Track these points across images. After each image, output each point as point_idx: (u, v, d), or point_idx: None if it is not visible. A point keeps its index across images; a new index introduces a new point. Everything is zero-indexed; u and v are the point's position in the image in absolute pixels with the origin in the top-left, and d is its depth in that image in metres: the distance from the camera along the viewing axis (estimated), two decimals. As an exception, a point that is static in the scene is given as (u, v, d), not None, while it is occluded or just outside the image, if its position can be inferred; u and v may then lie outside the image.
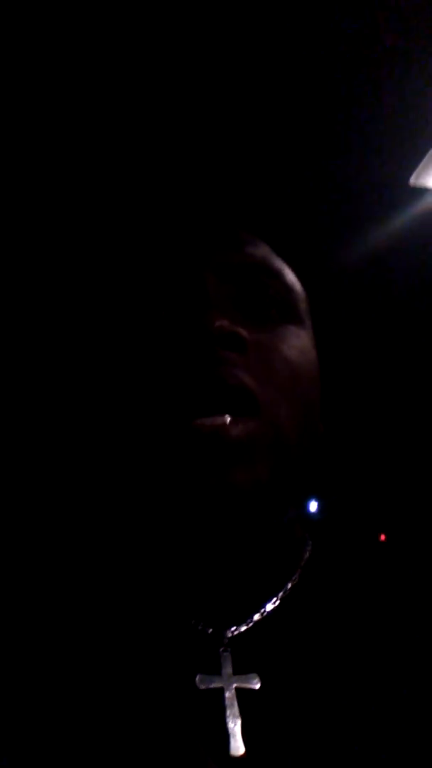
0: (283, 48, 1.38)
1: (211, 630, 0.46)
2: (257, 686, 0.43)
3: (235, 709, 0.42)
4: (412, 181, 1.54)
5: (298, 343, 0.49)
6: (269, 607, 0.47)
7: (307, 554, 0.52)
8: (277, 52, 1.39)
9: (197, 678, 0.42)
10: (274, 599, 0.47)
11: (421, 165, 1.50)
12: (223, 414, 0.41)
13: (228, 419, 0.41)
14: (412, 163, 1.53)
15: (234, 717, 0.41)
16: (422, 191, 1.57)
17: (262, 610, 0.47)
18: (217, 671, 0.43)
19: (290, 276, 0.53)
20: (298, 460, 0.46)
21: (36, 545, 0.56)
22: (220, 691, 0.42)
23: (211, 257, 0.49)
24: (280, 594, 0.48)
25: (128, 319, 0.51)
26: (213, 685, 0.42)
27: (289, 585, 0.49)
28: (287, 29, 1.33)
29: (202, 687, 0.42)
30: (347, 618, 0.48)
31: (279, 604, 0.47)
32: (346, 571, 0.52)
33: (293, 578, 0.49)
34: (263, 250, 0.52)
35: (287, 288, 0.51)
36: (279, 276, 0.51)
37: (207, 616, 0.46)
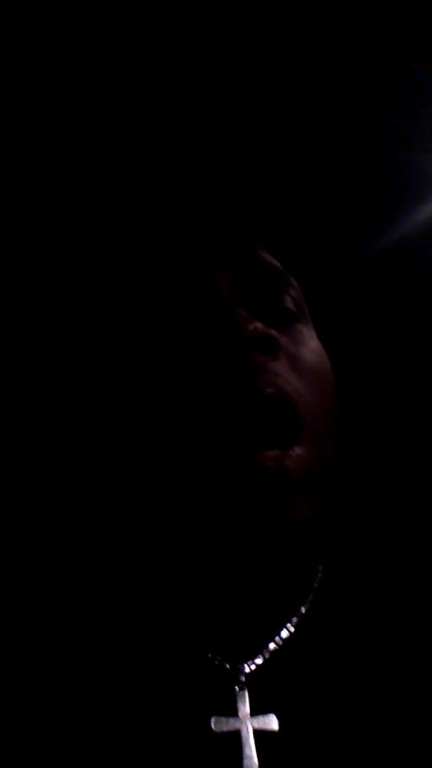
0: (311, 30, 1.34)
1: (227, 665, 0.44)
2: (275, 727, 0.42)
3: (253, 753, 0.40)
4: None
5: (314, 345, 0.49)
6: (284, 634, 0.46)
7: (320, 575, 0.50)
8: (303, 34, 1.34)
9: (212, 720, 0.41)
10: (289, 625, 0.46)
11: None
12: (272, 442, 0.40)
13: (287, 453, 0.39)
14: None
15: (251, 761, 0.40)
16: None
17: (278, 638, 0.45)
18: (232, 710, 0.42)
19: (293, 279, 0.52)
20: (334, 475, 0.45)
21: (59, 570, 0.55)
22: (237, 733, 0.41)
23: (222, 263, 0.48)
24: (294, 620, 0.47)
25: (149, 331, 0.50)
26: (229, 728, 0.41)
27: (303, 609, 0.47)
28: (320, 11, 1.28)
29: (218, 730, 0.41)
30: (363, 641, 0.47)
31: (294, 630, 0.46)
32: (359, 590, 0.51)
33: (307, 602, 0.48)
34: (269, 256, 0.52)
35: (296, 290, 0.51)
36: (287, 278, 0.50)
37: (222, 648, 0.45)
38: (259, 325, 0.42)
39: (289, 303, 0.48)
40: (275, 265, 0.50)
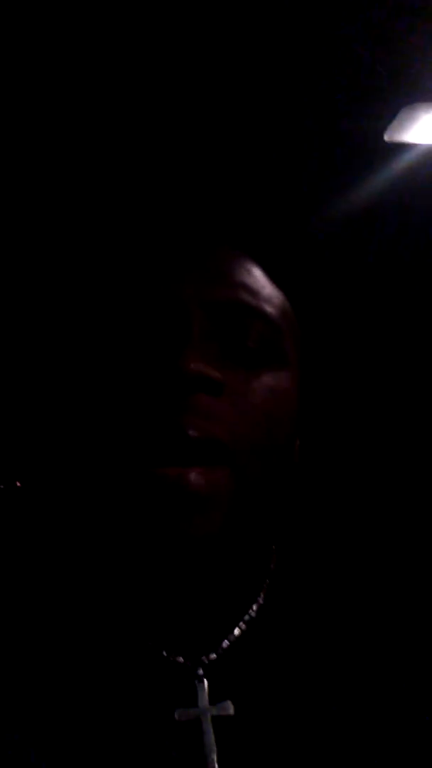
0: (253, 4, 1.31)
1: (182, 660, 0.47)
2: (231, 712, 0.45)
3: (211, 738, 0.44)
4: (387, 137, 1.49)
5: (276, 385, 0.48)
6: (236, 632, 0.49)
7: (272, 571, 0.53)
8: (246, 10, 1.31)
9: (176, 712, 0.44)
10: (241, 624, 0.49)
11: (395, 121, 1.45)
12: (190, 462, 0.41)
13: (192, 470, 0.41)
14: (387, 120, 1.47)
15: (211, 748, 0.44)
16: (398, 149, 1.53)
17: (231, 636, 0.48)
18: (192, 702, 0.45)
19: (277, 311, 0.50)
20: (263, 507, 0.47)
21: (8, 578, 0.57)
22: (198, 723, 0.45)
23: (200, 292, 0.47)
24: (246, 618, 0.49)
25: (106, 347, 0.50)
26: (188, 717, 0.45)
27: (255, 606, 0.50)
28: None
29: (180, 720, 0.44)
30: (315, 633, 0.50)
31: (246, 627, 0.49)
32: (312, 584, 0.54)
33: (258, 599, 0.50)
34: (253, 282, 0.50)
35: (272, 328, 0.49)
36: (265, 315, 0.49)
37: (177, 646, 0.48)
38: (203, 365, 0.43)
39: (258, 342, 0.48)
40: (254, 303, 0.49)
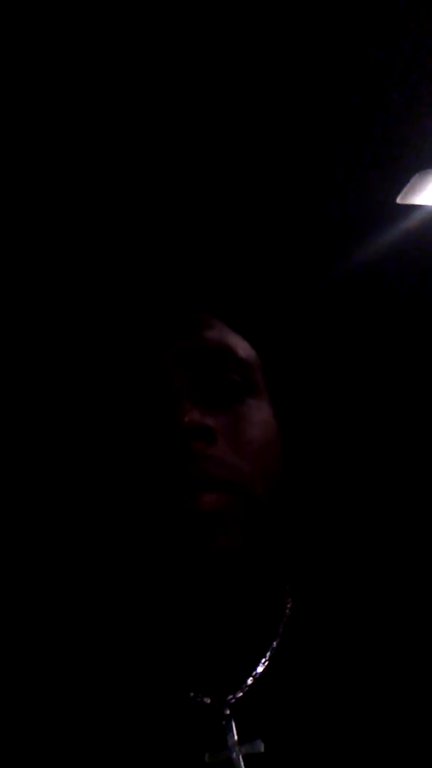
0: (266, 62, 1.39)
1: (209, 700, 0.48)
2: (262, 749, 0.46)
3: None
4: (399, 200, 1.57)
5: (259, 417, 0.53)
6: (260, 668, 0.50)
7: (289, 607, 0.55)
8: (259, 66, 1.40)
9: (206, 755, 0.45)
10: (264, 660, 0.50)
11: (408, 185, 1.53)
12: (200, 491, 0.46)
13: (202, 494, 0.46)
14: (400, 183, 1.55)
15: None
16: (409, 208, 1.60)
17: (254, 673, 0.50)
18: (221, 741, 0.46)
19: (245, 351, 0.56)
20: (269, 525, 0.50)
21: (31, 623, 0.58)
22: (228, 763, 0.45)
23: (171, 344, 0.52)
24: (268, 654, 0.51)
25: (95, 415, 0.54)
26: (220, 758, 0.45)
27: (275, 643, 0.52)
28: (273, 41, 1.33)
29: (209, 760, 0.45)
30: (335, 666, 0.51)
31: (269, 663, 0.50)
32: (329, 619, 0.55)
33: (278, 635, 0.52)
34: (219, 331, 0.55)
35: (243, 364, 0.55)
36: (235, 354, 0.54)
37: (202, 686, 0.49)
38: (196, 416, 0.47)
39: (235, 377, 0.53)
40: (221, 344, 0.54)
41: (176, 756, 0.46)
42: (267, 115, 1.49)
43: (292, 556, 0.58)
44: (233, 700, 0.48)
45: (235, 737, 0.46)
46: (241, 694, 0.49)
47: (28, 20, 0.94)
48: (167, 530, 0.45)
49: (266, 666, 0.50)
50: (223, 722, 0.47)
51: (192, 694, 0.49)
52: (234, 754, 0.45)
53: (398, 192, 1.58)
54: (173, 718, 0.48)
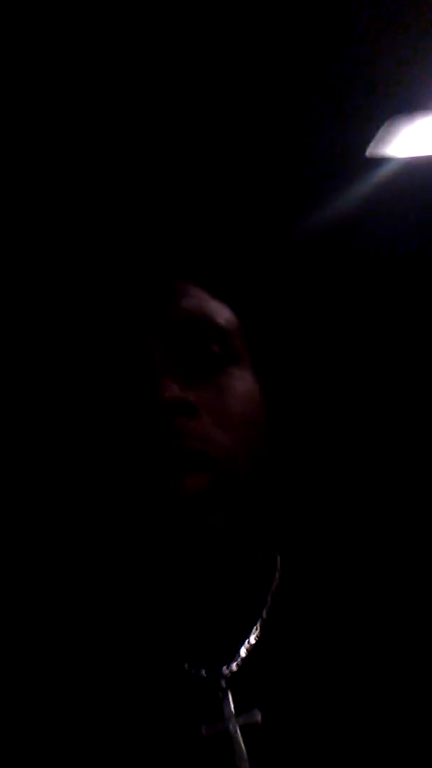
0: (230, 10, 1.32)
1: (204, 672, 0.49)
2: (259, 720, 0.46)
3: (242, 747, 0.45)
4: (369, 152, 1.53)
5: (242, 387, 0.53)
6: (252, 639, 0.50)
7: (277, 576, 0.55)
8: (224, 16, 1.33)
9: (203, 727, 0.45)
10: (255, 630, 0.51)
11: (377, 136, 1.49)
12: (181, 472, 0.47)
13: (185, 477, 0.46)
14: (368, 135, 1.51)
15: (241, 757, 0.44)
16: (378, 162, 1.57)
17: (247, 644, 0.50)
18: (218, 713, 0.46)
19: (225, 319, 0.55)
20: (255, 499, 0.51)
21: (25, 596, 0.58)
22: (225, 734, 0.45)
23: (149, 317, 0.51)
24: (259, 624, 0.51)
25: (78, 396, 0.53)
26: (217, 729, 0.45)
27: (265, 613, 0.52)
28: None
29: (208, 733, 0.45)
30: (326, 633, 0.52)
31: (260, 633, 0.51)
32: (318, 587, 0.56)
33: (267, 604, 0.53)
34: (198, 299, 0.54)
35: (224, 332, 0.54)
36: (215, 324, 0.53)
37: (196, 659, 0.49)
38: (176, 391, 0.47)
39: (215, 348, 0.52)
40: (201, 314, 0.53)
41: (174, 729, 0.46)
42: (225, 62, 1.42)
43: (281, 526, 0.58)
44: (228, 672, 0.49)
45: (232, 709, 0.47)
46: (235, 665, 0.49)
47: (27, 19, 0.89)
48: (154, 512, 0.46)
49: (258, 636, 0.51)
50: (220, 694, 0.47)
51: (187, 666, 0.49)
52: (231, 726, 0.46)
53: (367, 143, 1.53)
54: (169, 691, 0.48)
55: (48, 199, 1.17)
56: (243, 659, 0.50)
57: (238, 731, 0.46)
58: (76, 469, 0.53)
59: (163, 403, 0.46)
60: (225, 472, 0.48)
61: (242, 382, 0.53)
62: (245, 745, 0.45)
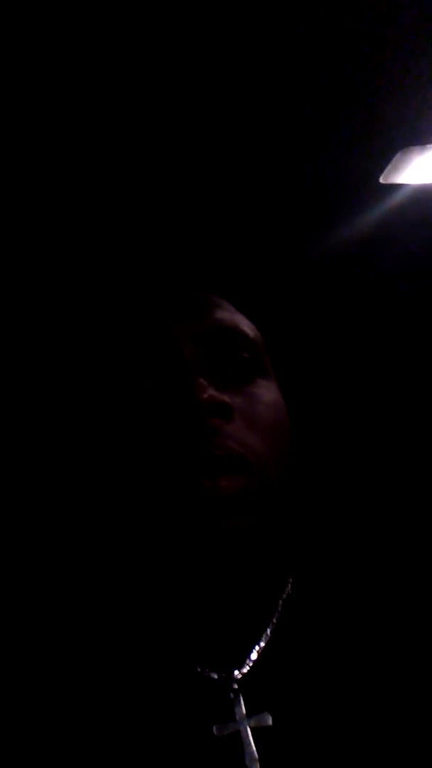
0: (247, 36, 1.37)
1: (216, 675, 0.50)
2: (270, 722, 0.47)
3: (253, 749, 0.46)
4: (382, 179, 1.57)
5: (271, 397, 0.54)
6: (263, 643, 0.52)
7: (289, 584, 0.56)
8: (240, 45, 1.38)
9: (214, 728, 0.46)
10: (267, 635, 0.52)
11: (391, 164, 1.53)
12: (218, 473, 0.47)
13: (221, 478, 0.47)
14: (383, 161, 1.55)
15: (252, 759, 0.46)
16: (392, 188, 1.60)
17: (259, 647, 0.51)
18: (229, 715, 0.48)
19: (254, 331, 0.57)
20: (282, 507, 0.52)
21: (44, 600, 0.59)
22: (237, 735, 0.46)
23: (184, 326, 0.53)
24: (270, 629, 0.52)
25: (115, 398, 0.54)
26: (229, 731, 0.47)
27: (275, 618, 0.53)
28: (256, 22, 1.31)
29: (219, 734, 0.46)
30: (336, 639, 0.53)
31: (272, 638, 0.52)
32: (329, 595, 0.57)
33: (278, 610, 0.54)
34: (229, 312, 0.56)
35: (254, 344, 0.56)
36: (246, 335, 0.55)
37: (208, 662, 0.51)
38: (213, 392, 0.48)
39: (247, 359, 0.54)
40: (233, 325, 0.55)
41: (186, 731, 0.47)
42: (247, 91, 1.47)
43: (296, 536, 0.60)
44: (240, 675, 0.50)
45: (243, 711, 0.48)
46: (247, 668, 0.50)
47: (27, 18, 0.93)
48: (186, 511, 0.47)
49: (270, 641, 0.52)
50: (231, 696, 0.48)
51: (199, 669, 0.50)
52: (243, 728, 0.47)
53: (381, 171, 1.57)
54: (181, 693, 0.49)
55: (83, 219, 1.20)
56: (254, 663, 0.51)
57: (249, 733, 0.47)
58: (112, 468, 0.53)
59: (200, 404, 0.47)
60: (257, 477, 0.48)
61: (270, 392, 0.55)
62: (256, 746, 0.46)
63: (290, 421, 0.56)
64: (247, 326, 0.56)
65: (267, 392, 0.54)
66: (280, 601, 0.55)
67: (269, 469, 0.50)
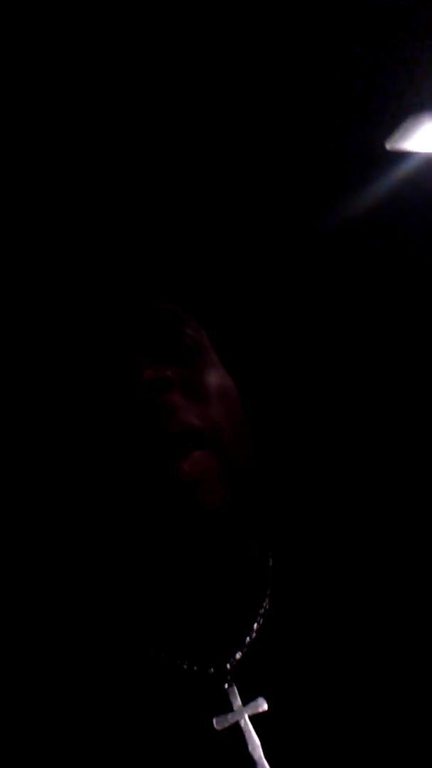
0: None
1: (212, 670, 0.51)
2: (266, 707, 0.50)
3: (254, 737, 0.48)
4: (389, 145, 1.53)
5: (213, 371, 0.56)
6: (254, 627, 0.53)
7: (271, 568, 0.58)
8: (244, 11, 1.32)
9: (214, 721, 0.49)
10: (256, 623, 0.54)
11: (398, 130, 1.48)
12: (178, 455, 0.48)
13: (182, 462, 0.47)
14: (391, 128, 1.50)
15: (254, 745, 0.48)
16: (399, 156, 1.56)
17: (250, 636, 0.53)
18: (227, 707, 0.50)
19: (196, 327, 0.60)
20: (248, 477, 0.53)
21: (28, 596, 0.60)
22: (236, 726, 0.49)
23: (128, 315, 0.56)
24: (261, 612, 0.54)
25: (64, 392, 0.56)
26: (228, 723, 0.49)
27: (265, 604, 0.55)
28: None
29: (219, 728, 0.49)
30: (325, 622, 0.55)
31: (260, 625, 0.54)
32: (313, 577, 0.58)
33: (266, 596, 0.56)
34: (172, 306, 0.60)
35: (199, 333, 0.59)
36: (186, 318, 0.58)
37: (198, 656, 0.52)
38: (152, 369, 0.50)
39: (187, 340, 0.56)
40: (173, 310, 0.58)
41: (184, 727, 0.49)
42: (250, 58, 1.42)
43: (271, 518, 0.61)
44: (232, 665, 0.51)
45: (239, 700, 0.50)
46: (239, 657, 0.52)
47: (26, 18, 0.90)
48: (153, 501, 0.47)
49: (259, 627, 0.54)
50: (226, 687, 0.51)
51: (187, 664, 0.51)
52: (241, 717, 0.49)
53: (387, 137, 1.53)
54: (175, 691, 0.51)
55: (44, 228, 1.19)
56: (245, 651, 0.52)
57: (248, 721, 0.49)
58: (73, 461, 0.55)
59: (143, 382, 0.49)
60: (215, 446, 0.49)
61: (214, 369, 0.57)
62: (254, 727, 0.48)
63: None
64: (189, 319, 0.59)
65: (211, 369, 0.56)
66: (268, 587, 0.56)
67: (224, 435, 0.51)
